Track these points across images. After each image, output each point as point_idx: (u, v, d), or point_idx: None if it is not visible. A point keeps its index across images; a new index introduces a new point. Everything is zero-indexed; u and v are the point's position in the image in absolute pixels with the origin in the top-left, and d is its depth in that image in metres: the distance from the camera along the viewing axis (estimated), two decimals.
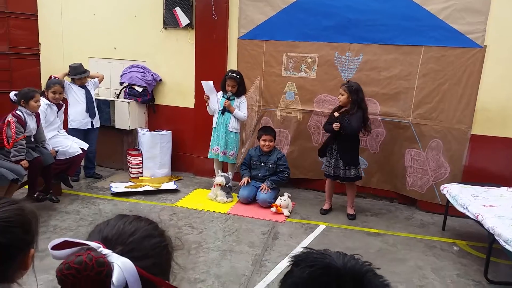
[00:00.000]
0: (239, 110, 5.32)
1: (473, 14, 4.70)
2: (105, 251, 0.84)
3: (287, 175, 5.24)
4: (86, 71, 5.63)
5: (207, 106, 5.38)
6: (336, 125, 4.61)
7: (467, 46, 4.77)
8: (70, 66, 5.57)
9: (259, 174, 5.26)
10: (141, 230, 0.94)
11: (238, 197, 5.27)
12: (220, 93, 5.33)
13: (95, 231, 0.96)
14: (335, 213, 5.02)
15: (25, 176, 4.38)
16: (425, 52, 4.93)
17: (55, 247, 0.86)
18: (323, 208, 5.04)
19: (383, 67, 5.12)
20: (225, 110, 5.29)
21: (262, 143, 5.17)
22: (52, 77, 5.15)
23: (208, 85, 5.20)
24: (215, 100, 5.26)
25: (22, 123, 4.27)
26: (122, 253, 0.86)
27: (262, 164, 5.26)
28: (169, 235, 1.03)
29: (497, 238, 3.35)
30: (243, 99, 5.37)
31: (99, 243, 0.85)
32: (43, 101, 4.86)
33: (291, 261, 0.96)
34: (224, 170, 5.60)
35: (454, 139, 4.95)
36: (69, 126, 5.55)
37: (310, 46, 5.36)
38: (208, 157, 5.52)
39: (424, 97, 5.00)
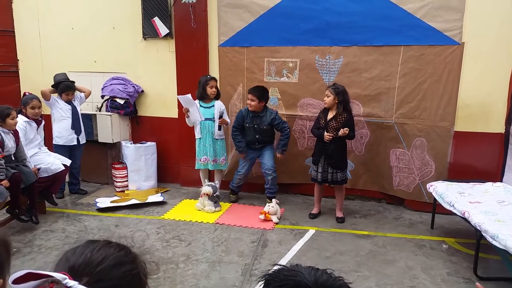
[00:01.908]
0: (222, 116, 5.34)
1: (449, 11, 4.74)
2: (71, 283, 0.79)
3: (288, 130, 5.14)
4: (72, 85, 5.52)
5: (186, 119, 5.35)
6: (327, 137, 4.61)
7: (446, 43, 4.81)
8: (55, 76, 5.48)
9: (256, 136, 5.15)
10: (110, 258, 0.90)
11: (237, 174, 5.38)
12: (197, 101, 5.27)
13: (62, 259, 0.91)
14: (324, 217, 5.00)
15: (7, 196, 4.28)
16: (404, 52, 4.96)
17: (17, 280, 0.81)
18: (312, 212, 5.02)
19: (364, 69, 5.13)
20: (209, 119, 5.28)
21: (247, 102, 5.11)
22: (27, 93, 5.06)
23: (186, 98, 5.14)
24: (196, 112, 5.21)
25: None
26: (88, 285, 0.82)
27: (255, 126, 5.13)
28: (143, 260, 0.99)
29: (484, 234, 3.35)
30: (222, 106, 5.37)
31: (65, 274, 0.81)
32: (21, 118, 4.77)
33: (262, 281, 0.93)
34: (211, 179, 5.56)
35: (437, 136, 4.98)
36: (54, 142, 5.46)
37: (291, 51, 5.36)
38: (196, 167, 5.48)
39: (405, 96, 5.03)
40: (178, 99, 5.28)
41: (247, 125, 5.17)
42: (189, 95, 5.15)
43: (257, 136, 5.17)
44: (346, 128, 4.53)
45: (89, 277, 0.85)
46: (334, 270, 0.94)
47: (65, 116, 5.44)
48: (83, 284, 0.81)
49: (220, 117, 5.28)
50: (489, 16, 4.67)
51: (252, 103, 5.05)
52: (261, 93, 5.06)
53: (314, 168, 4.87)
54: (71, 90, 5.48)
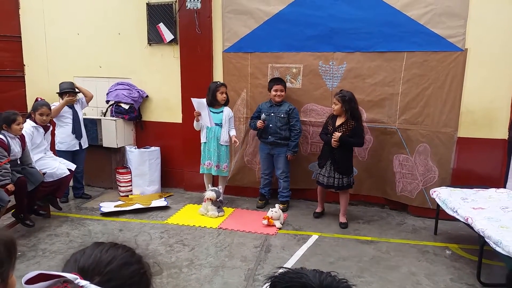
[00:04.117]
0: (229, 125, 5.35)
1: (452, 17, 4.76)
2: (83, 282, 0.82)
3: (298, 130, 5.22)
4: (73, 88, 5.54)
5: (194, 123, 5.37)
6: (334, 142, 4.66)
7: (449, 49, 4.82)
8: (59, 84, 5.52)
9: (270, 125, 5.18)
10: (119, 258, 0.93)
11: (261, 172, 5.46)
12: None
13: (70, 261, 0.94)
14: (327, 222, 5.01)
15: (8, 202, 4.30)
16: (407, 58, 4.98)
17: (29, 281, 0.83)
18: (316, 211, 5.13)
19: (367, 75, 5.15)
20: (218, 124, 5.30)
21: (273, 93, 5.13)
22: (39, 99, 5.10)
23: (200, 102, 5.19)
24: (207, 117, 5.22)
25: (5, 147, 4.21)
26: (100, 284, 0.84)
27: (272, 114, 5.19)
28: (146, 261, 1.02)
29: (487, 240, 3.35)
30: (231, 113, 5.40)
31: (76, 274, 0.83)
32: (29, 123, 4.81)
33: (267, 282, 0.95)
34: (215, 184, 5.58)
35: (441, 142, 4.98)
36: (56, 148, 5.46)
37: (294, 57, 5.39)
38: (200, 172, 5.50)
39: (409, 102, 5.04)
40: (192, 101, 5.24)
41: (263, 115, 5.21)
42: (204, 100, 5.19)
43: (270, 126, 5.17)
44: (337, 133, 4.64)
45: (100, 276, 0.87)
46: (337, 273, 0.95)
47: (66, 122, 5.45)
48: (95, 283, 0.83)
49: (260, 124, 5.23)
50: (492, 23, 4.68)
51: (282, 93, 5.16)
52: (285, 84, 5.25)
53: (318, 171, 4.92)
54: (72, 92, 5.49)
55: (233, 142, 5.29)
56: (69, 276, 0.82)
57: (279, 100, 5.16)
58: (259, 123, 5.17)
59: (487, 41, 4.71)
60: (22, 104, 6.68)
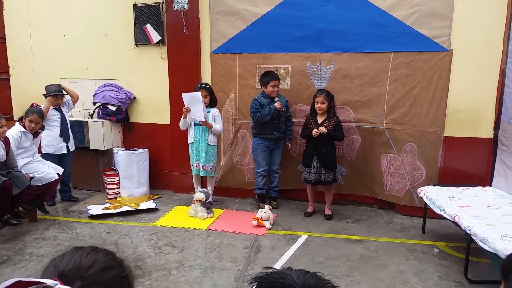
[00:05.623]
0: (215, 124, 5.31)
1: (438, 18, 4.82)
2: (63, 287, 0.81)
3: (291, 117, 5.38)
4: (61, 90, 5.46)
5: (181, 121, 5.30)
6: (315, 132, 4.79)
7: (435, 50, 4.88)
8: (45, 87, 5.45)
9: (276, 121, 5.12)
10: (99, 262, 0.91)
11: (256, 174, 5.38)
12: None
13: (49, 266, 0.92)
14: (316, 222, 5.03)
15: None
16: (394, 58, 5.02)
17: None
18: (307, 211, 5.21)
19: (355, 75, 5.19)
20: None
21: (271, 89, 5.05)
22: (34, 105, 5.01)
23: (193, 96, 5.05)
24: (201, 111, 5.05)
25: None
26: None
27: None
28: (128, 265, 1.01)
29: (474, 238, 3.39)
30: (217, 112, 5.38)
31: (55, 280, 0.82)
32: (17, 128, 4.75)
33: (252, 282, 0.94)
34: (204, 185, 5.56)
35: (428, 142, 5.03)
36: (43, 151, 5.38)
37: (283, 57, 5.41)
38: (193, 173, 5.47)
39: (396, 102, 5.09)
40: (182, 96, 5.11)
41: (277, 99, 5.10)
42: (199, 93, 5.07)
43: (276, 121, 5.12)
44: (323, 128, 4.80)
45: (81, 281, 0.86)
46: (323, 274, 0.96)
47: (53, 125, 5.38)
48: None
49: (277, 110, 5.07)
50: (477, 23, 4.74)
51: (279, 88, 5.14)
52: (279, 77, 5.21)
53: (306, 170, 5.00)
54: (60, 95, 5.43)
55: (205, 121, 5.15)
56: (49, 282, 0.80)
57: (275, 96, 5.13)
58: (277, 105, 5.00)
59: (472, 41, 4.78)
60: (8, 106, 6.60)
